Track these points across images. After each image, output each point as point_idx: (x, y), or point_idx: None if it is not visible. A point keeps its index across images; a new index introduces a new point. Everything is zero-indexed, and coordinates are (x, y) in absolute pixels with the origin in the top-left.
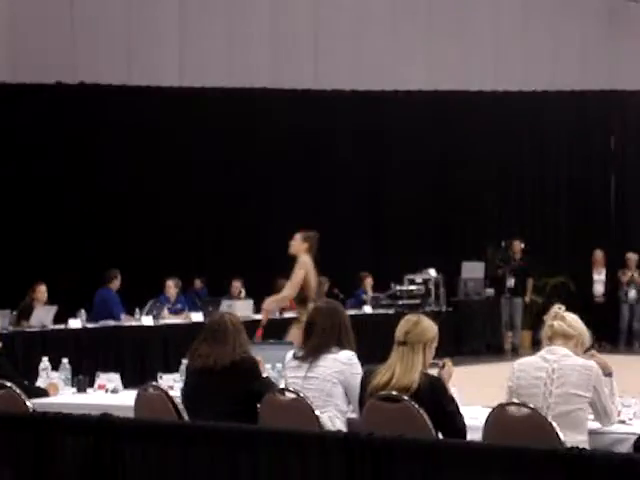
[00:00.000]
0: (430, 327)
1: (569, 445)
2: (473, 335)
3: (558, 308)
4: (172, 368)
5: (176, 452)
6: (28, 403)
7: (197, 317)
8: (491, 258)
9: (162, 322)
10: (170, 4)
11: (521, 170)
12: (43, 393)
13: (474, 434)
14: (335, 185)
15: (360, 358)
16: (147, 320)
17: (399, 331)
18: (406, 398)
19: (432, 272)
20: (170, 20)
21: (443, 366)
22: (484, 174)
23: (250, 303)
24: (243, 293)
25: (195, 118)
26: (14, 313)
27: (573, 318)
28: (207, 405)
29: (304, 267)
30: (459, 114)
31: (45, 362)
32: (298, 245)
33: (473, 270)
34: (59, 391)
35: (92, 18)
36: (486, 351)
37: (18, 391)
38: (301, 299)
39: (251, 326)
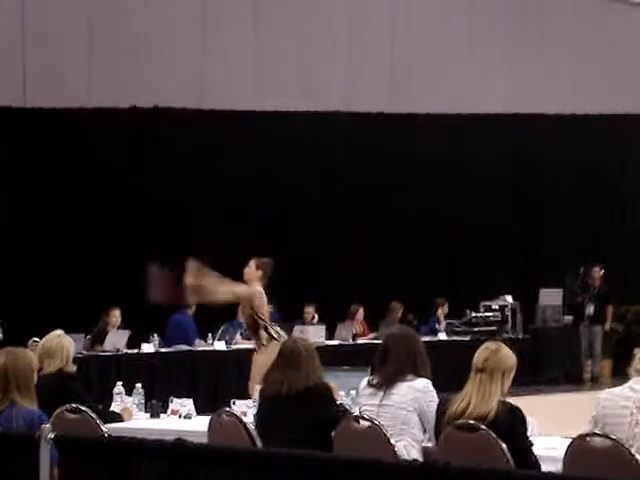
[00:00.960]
0: (509, 355)
1: None
2: (551, 363)
3: None
4: (245, 394)
5: (250, 479)
6: (103, 428)
7: None
8: (569, 284)
9: (235, 347)
10: (244, 28)
11: (601, 193)
12: (117, 418)
13: (552, 465)
14: (410, 210)
15: (435, 386)
16: (220, 345)
17: (477, 358)
18: (483, 427)
19: (509, 298)
20: (244, 43)
21: None
22: (562, 198)
23: (322, 328)
24: (316, 319)
25: (269, 140)
26: (88, 337)
27: None
28: (281, 432)
29: (258, 293)
30: (535, 136)
31: (119, 387)
32: (252, 272)
33: (551, 297)
34: (133, 416)
35: (166, 42)
36: (564, 380)
37: (93, 415)
38: (255, 329)
39: (324, 352)
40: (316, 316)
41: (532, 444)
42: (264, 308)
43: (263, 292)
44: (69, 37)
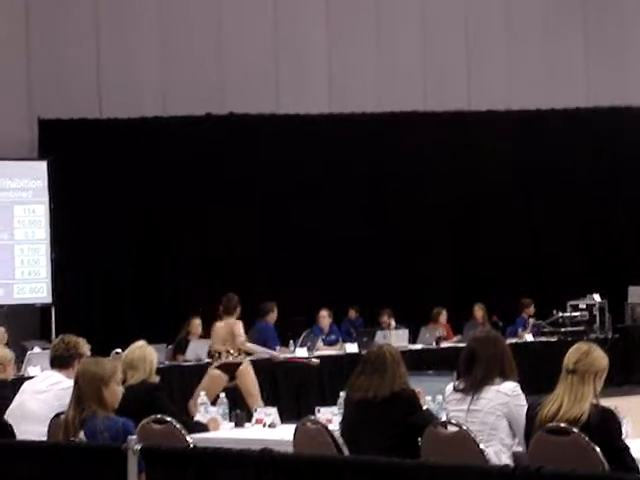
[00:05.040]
0: (601, 357)
1: None
2: None
3: None
4: (328, 401)
5: None
6: (188, 438)
7: (352, 348)
8: None
9: (317, 354)
10: (317, 32)
11: None
12: (203, 429)
13: None
14: (491, 208)
15: (522, 388)
16: (301, 352)
17: (568, 359)
18: (576, 430)
19: (596, 297)
20: (318, 47)
21: None
22: None
23: (405, 333)
24: (393, 324)
25: (345, 143)
26: (170, 347)
27: None
28: (367, 438)
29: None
30: (619, 129)
31: (203, 397)
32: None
33: None
34: (220, 426)
35: (240, 49)
36: None
37: (178, 426)
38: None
39: (408, 356)
40: (392, 322)
41: (628, 447)
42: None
43: (236, 324)
44: (142, 47)
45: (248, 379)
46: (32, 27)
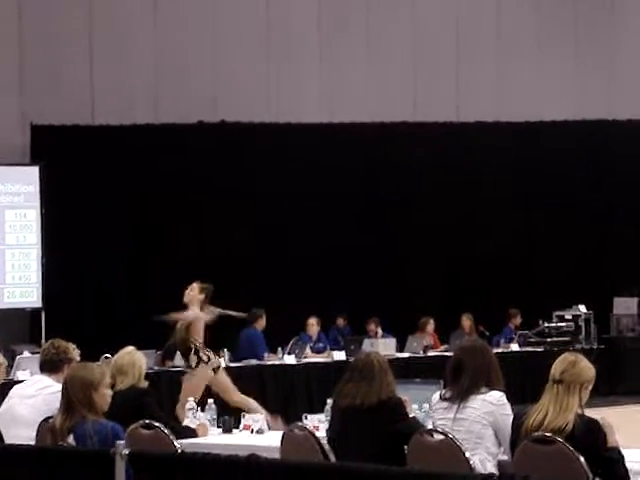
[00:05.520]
0: (588, 368)
1: None
2: (628, 374)
3: None
4: (316, 408)
5: None
6: (176, 443)
7: (339, 356)
8: None
9: (304, 361)
10: (309, 42)
11: None
12: (192, 434)
13: (636, 479)
14: (480, 218)
15: (508, 398)
16: (290, 359)
17: (555, 369)
18: (560, 440)
19: (582, 308)
20: (310, 56)
21: None
22: (633, 204)
23: (393, 341)
24: (380, 332)
25: (336, 153)
26: (158, 353)
27: None
28: (354, 445)
29: (202, 316)
30: (607, 142)
31: (191, 402)
32: (195, 295)
33: (626, 306)
34: (208, 432)
35: (232, 58)
36: None
37: (166, 431)
38: (187, 352)
39: (395, 364)
40: (379, 331)
41: (621, 454)
42: (200, 332)
43: (203, 317)
44: (135, 54)
45: (224, 380)
46: (25, 33)
